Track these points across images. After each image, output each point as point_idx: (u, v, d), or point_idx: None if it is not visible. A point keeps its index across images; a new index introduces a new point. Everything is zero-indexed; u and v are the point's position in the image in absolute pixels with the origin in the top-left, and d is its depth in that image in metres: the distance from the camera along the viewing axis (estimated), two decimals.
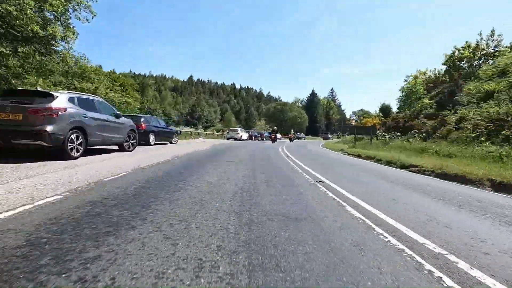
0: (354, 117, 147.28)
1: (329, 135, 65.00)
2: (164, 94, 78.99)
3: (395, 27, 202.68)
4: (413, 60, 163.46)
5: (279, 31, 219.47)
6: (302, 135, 60.08)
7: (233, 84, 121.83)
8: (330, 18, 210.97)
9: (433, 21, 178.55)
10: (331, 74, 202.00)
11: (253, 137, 35.54)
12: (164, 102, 74.51)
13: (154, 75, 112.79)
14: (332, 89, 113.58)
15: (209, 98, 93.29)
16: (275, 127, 30.26)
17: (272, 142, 25.07)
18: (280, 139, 36.95)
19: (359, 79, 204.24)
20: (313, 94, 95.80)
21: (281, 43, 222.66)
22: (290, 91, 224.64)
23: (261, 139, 38.47)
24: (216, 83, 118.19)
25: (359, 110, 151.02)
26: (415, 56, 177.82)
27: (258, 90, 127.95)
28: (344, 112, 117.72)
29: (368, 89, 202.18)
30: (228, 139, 31.07)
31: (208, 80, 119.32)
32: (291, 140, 32.18)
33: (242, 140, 30.92)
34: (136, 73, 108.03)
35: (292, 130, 37.41)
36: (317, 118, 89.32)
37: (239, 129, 32.12)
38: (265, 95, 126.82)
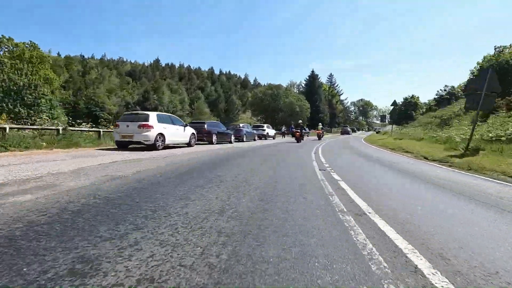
0: (353, 109, 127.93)
1: (349, 128, 45.34)
2: (104, 75, 54.45)
3: (393, 24, 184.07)
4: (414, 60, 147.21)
5: (268, 22, 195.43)
6: (306, 129, 38.95)
7: (211, 69, 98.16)
8: (324, 10, 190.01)
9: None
10: (324, 69, 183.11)
11: (214, 136, 13.34)
12: (100, 86, 50.25)
13: (111, 58, 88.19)
14: (331, 75, 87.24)
15: (175, 84, 69.39)
16: (300, 121, 20.37)
17: (298, 142, 16.56)
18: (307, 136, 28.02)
19: (357, 77, 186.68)
20: (313, 76, 68.70)
21: (272, 33, 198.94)
22: (280, 79, 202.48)
23: (239, 140, 16.64)
24: (189, 66, 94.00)
25: (359, 100, 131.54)
26: (416, 57, 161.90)
27: (242, 77, 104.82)
28: (346, 102, 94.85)
29: (368, 89, 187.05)
30: (118, 145, 9.13)
31: (180, 64, 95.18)
32: (319, 137, 23.91)
33: (164, 149, 8.81)
34: (85, 56, 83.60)
35: (320, 124, 28.74)
36: (319, 107, 64.04)
37: (152, 114, 9.18)
38: (251, 82, 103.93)
